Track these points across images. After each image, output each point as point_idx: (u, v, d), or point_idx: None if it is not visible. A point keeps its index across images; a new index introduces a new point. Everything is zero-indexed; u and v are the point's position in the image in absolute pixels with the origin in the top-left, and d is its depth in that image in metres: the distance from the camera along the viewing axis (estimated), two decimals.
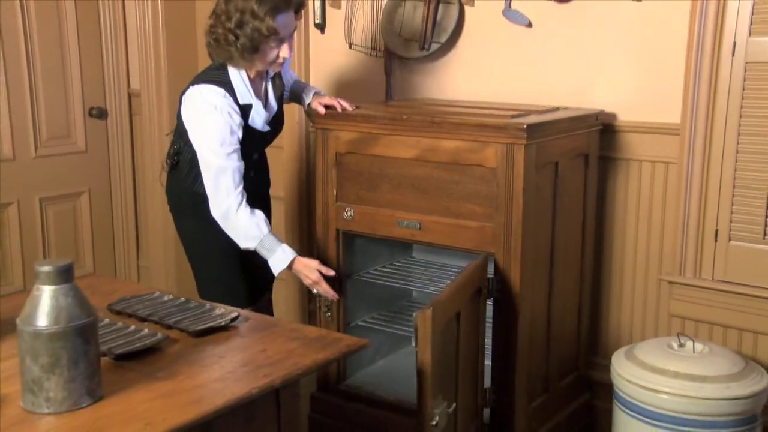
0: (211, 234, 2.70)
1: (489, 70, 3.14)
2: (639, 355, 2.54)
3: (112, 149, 4.08)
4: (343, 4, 3.41)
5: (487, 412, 2.63)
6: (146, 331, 1.91)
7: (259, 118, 2.69)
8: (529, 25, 3.00)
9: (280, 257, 2.63)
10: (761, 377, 2.47)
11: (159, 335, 1.88)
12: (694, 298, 2.81)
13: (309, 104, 2.87)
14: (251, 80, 2.66)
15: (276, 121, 2.81)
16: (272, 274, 2.83)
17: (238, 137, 2.60)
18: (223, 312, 2.05)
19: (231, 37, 2.51)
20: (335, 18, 3.45)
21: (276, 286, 3.08)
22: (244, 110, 2.62)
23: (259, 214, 2.63)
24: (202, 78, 2.65)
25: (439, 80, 3.26)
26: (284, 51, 2.58)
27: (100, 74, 3.97)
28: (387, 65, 3.35)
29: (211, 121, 2.56)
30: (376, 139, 2.70)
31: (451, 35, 3.13)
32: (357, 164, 2.76)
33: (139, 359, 1.78)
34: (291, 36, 2.60)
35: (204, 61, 3.94)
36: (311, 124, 2.90)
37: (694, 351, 2.52)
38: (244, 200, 2.60)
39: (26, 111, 3.72)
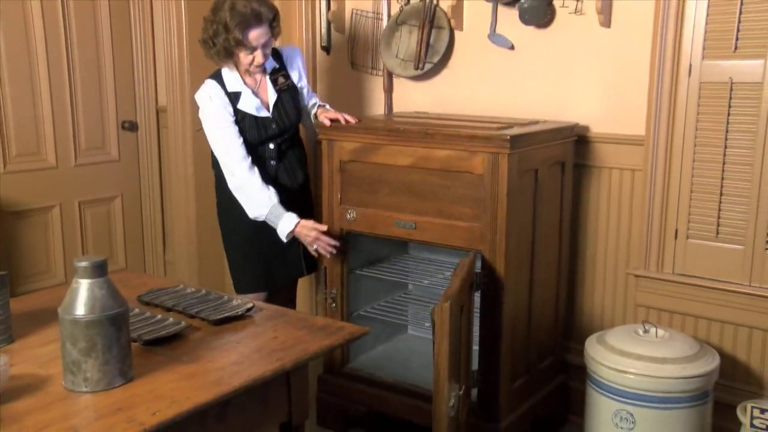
0: (231, 216, 2.82)
1: (476, 88, 3.14)
2: (609, 340, 2.55)
3: (142, 158, 4.09)
4: (347, 28, 3.41)
5: (474, 392, 2.62)
6: (171, 319, 1.92)
7: (248, 103, 2.74)
8: (512, 48, 3.00)
9: (286, 222, 2.67)
10: (713, 358, 2.48)
11: (183, 323, 1.89)
12: (657, 290, 2.81)
13: (315, 116, 2.89)
14: (244, 76, 2.76)
15: (280, 112, 2.81)
16: (294, 273, 2.93)
17: (231, 114, 2.71)
18: (240, 303, 2.06)
19: (210, 44, 2.67)
20: (339, 41, 3.46)
21: None
22: (234, 96, 2.73)
23: (272, 188, 2.70)
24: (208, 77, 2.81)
25: (433, 96, 3.26)
26: (258, 58, 2.66)
27: (131, 92, 3.98)
28: (386, 83, 3.35)
29: (207, 106, 2.72)
30: (376, 148, 2.70)
31: (443, 56, 3.13)
32: (359, 171, 2.76)
33: (165, 345, 1.80)
34: (266, 44, 2.66)
35: None
36: (318, 134, 2.90)
37: (656, 336, 2.53)
38: (256, 171, 2.70)
39: (67, 125, 3.72)
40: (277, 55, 2.86)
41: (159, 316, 1.93)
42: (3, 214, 3.55)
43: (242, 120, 2.74)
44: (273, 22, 2.68)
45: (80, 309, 1.53)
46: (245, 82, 2.76)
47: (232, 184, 2.71)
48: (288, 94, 2.85)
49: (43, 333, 1.86)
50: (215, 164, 2.82)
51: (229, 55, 2.67)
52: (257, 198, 2.69)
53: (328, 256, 2.76)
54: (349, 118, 2.79)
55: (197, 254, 4.05)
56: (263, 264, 2.85)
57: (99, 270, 1.55)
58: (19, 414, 1.46)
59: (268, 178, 2.78)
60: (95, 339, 1.53)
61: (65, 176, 3.77)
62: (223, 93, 2.72)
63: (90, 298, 1.53)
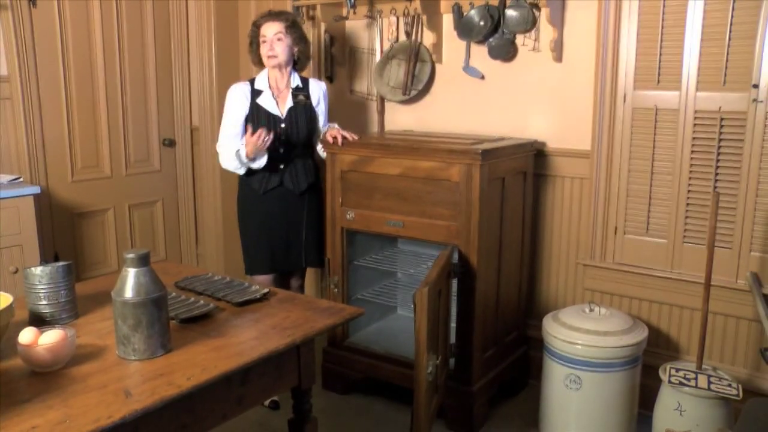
0: (247, 207, 2.84)
1: (453, 110, 3.14)
2: (562, 318, 2.56)
3: (179, 169, 4.08)
4: (346, 62, 3.42)
5: (452, 361, 2.63)
6: (202, 302, 1.91)
7: (266, 100, 2.77)
8: (483, 78, 3.01)
9: (241, 151, 2.69)
10: (642, 330, 2.50)
11: (211, 305, 1.87)
12: (601, 276, 2.83)
13: (324, 133, 2.85)
14: (272, 82, 2.80)
15: (291, 117, 2.79)
16: (294, 264, 2.89)
17: (246, 105, 2.76)
18: (258, 288, 2.04)
19: (249, 49, 2.85)
20: (340, 72, 3.47)
21: None
22: (256, 92, 2.78)
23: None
24: None
25: (417, 117, 3.26)
26: (267, 46, 2.74)
27: (170, 114, 3.97)
28: (379, 106, 3.36)
29: (232, 92, 2.81)
30: (371, 160, 2.70)
31: (426, 85, 3.14)
32: (356, 179, 2.75)
33: (197, 323, 1.79)
34: (279, 39, 2.74)
35: None
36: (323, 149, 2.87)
37: (599, 314, 2.54)
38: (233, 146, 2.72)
39: (120, 142, 3.73)
40: (305, 82, 2.86)
41: (192, 299, 1.92)
42: (70, 215, 3.56)
43: (257, 111, 2.75)
44: (289, 24, 2.76)
45: (129, 292, 1.53)
46: (269, 85, 2.80)
47: (220, 154, 2.79)
48: (303, 109, 2.81)
49: (101, 311, 1.86)
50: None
51: (257, 46, 2.77)
52: (230, 156, 2.73)
53: (261, 143, 2.62)
54: (347, 134, 2.76)
55: (223, 248, 4.07)
56: (270, 252, 2.84)
57: (143, 261, 1.55)
58: (83, 375, 1.47)
59: (275, 180, 2.78)
60: (141, 317, 1.53)
61: (118, 184, 3.77)
62: (248, 88, 2.79)
63: (136, 284, 1.53)
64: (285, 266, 2.90)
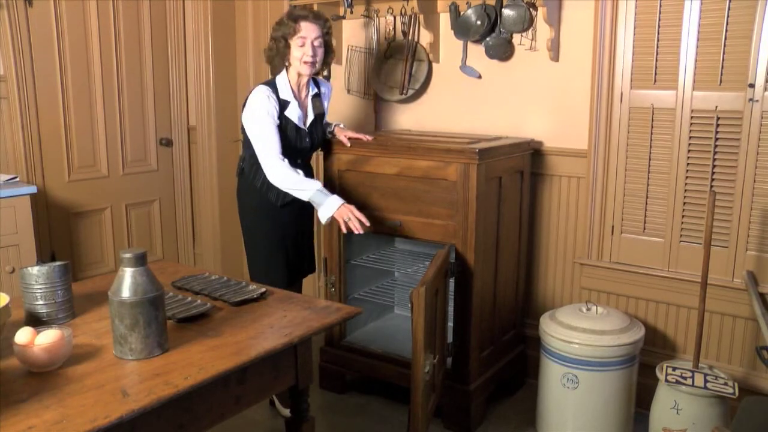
0: (265, 222, 2.64)
1: (450, 110, 3.14)
2: (559, 316, 2.56)
3: (176, 169, 4.07)
4: (343, 61, 3.41)
5: (449, 360, 2.63)
6: (199, 301, 1.90)
7: (293, 113, 2.57)
8: (479, 77, 3.01)
9: (332, 203, 2.43)
10: (639, 329, 2.51)
11: (208, 305, 1.87)
12: (598, 275, 2.83)
13: (332, 133, 2.80)
14: (295, 88, 2.59)
15: (312, 131, 2.66)
16: (306, 267, 2.81)
17: (277, 113, 2.51)
18: (255, 287, 2.04)
19: (272, 43, 2.55)
20: (338, 71, 3.44)
21: None
22: (283, 103, 2.56)
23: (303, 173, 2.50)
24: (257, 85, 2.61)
25: (414, 116, 3.26)
26: (307, 51, 2.50)
27: (167, 114, 3.97)
28: (375, 105, 3.35)
29: (262, 104, 2.49)
30: (368, 159, 2.69)
31: (423, 84, 3.13)
32: (354, 178, 2.75)
33: (195, 322, 1.79)
34: (316, 43, 2.52)
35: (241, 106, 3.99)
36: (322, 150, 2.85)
37: (596, 313, 2.54)
38: (287, 163, 2.48)
39: (116, 142, 3.72)
40: (317, 84, 2.72)
41: (189, 299, 1.92)
42: (67, 214, 3.55)
43: (285, 126, 2.56)
44: (325, 29, 2.56)
45: (126, 292, 1.53)
46: (294, 95, 2.59)
47: (275, 173, 2.45)
48: (319, 119, 2.71)
49: (98, 311, 1.86)
50: (242, 172, 2.66)
51: (286, 47, 2.51)
52: (302, 184, 2.45)
53: (356, 232, 2.42)
54: (361, 136, 2.71)
55: (221, 247, 4.07)
56: (287, 265, 2.71)
57: (140, 260, 1.55)
58: (80, 375, 1.47)
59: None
60: (138, 317, 1.52)
61: (115, 183, 3.76)
62: (275, 97, 2.53)
63: (133, 284, 1.53)
64: (298, 276, 2.79)
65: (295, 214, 2.69)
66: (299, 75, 2.58)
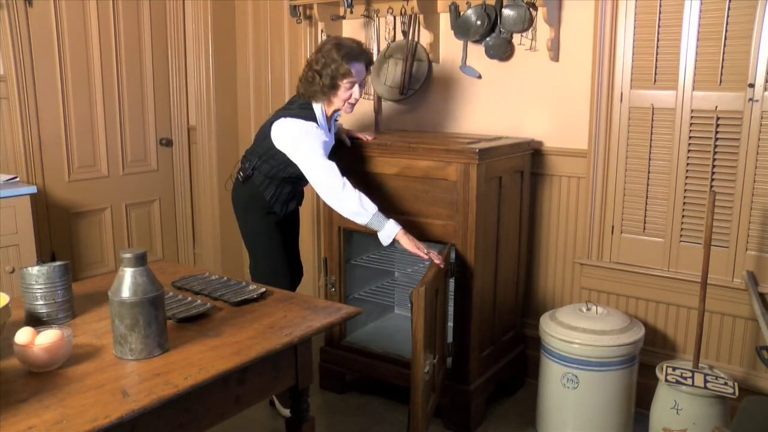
0: (271, 231, 2.64)
1: (450, 110, 3.13)
2: (559, 316, 2.56)
3: (176, 169, 4.08)
4: None
5: (449, 360, 2.63)
6: (199, 301, 1.90)
7: (327, 143, 2.51)
8: (479, 77, 3.01)
9: (390, 228, 2.36)
10: (639, 329, 2.50)
11: (208, 305, 1.87)
12: (597, 275, 2.83)
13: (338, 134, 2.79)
14: (326, 118, 2.56)
15: (332, 152, 2.61)
16: (301, 273, 2.84)
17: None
18: (255, 287, 2.04)
19: (317, 77, 2.44)
20: None
21: None
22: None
23: (363, 195, 2.40)
24: (292, 113, 2.49)
25: (414, 117, 3.26)
26: (356, 92, 2.48)
27: (167, 114, 3.97)
28: (376, 105, 3.35)
29: (311, 140, 2.41)
30: (368, 159, 2.69)
31: (423, 84, 3.12)
32: (354, 178, 2.66)
33: (195, 322, 1.79)
34: (362, 83, 2.50)
35: (242, 109, 3.98)
36: None
37: (596, 313, 2.54)
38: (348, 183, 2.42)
39: (116, 142, 3.73)
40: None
41: (189, 299, 1.92)
42: (67, 214, 3.56)
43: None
44: (369, 66, 2.53)
45: (125, 292, 1.53)
46: (326, 122, 2.55)
47: (344, 208, 2.39)
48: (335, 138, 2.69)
49: (98, 311, 1.86)
50: (248, 178, 2.61)
51: (333, 86, 2.43)
52: (361, 209, 2.37)
53: (438, 261, 2.33)
54: (360, 136, 2.73)
55: (221, 247, 4.07)
56: (290, 272, 2.74)
57: (140, 260, 1.55)
58: (80, 375, 1.47)
59: (293, 203, 2.69)
60: (138, 317, 1.52)
61: (115, 184, 3.77)
62: (321, 133, 2.47)
63: (133, 284, 1.53)
64: (297, 281, 2.85)
65: (292, 222, 2.77)
66: (336, 109, 2.55)
